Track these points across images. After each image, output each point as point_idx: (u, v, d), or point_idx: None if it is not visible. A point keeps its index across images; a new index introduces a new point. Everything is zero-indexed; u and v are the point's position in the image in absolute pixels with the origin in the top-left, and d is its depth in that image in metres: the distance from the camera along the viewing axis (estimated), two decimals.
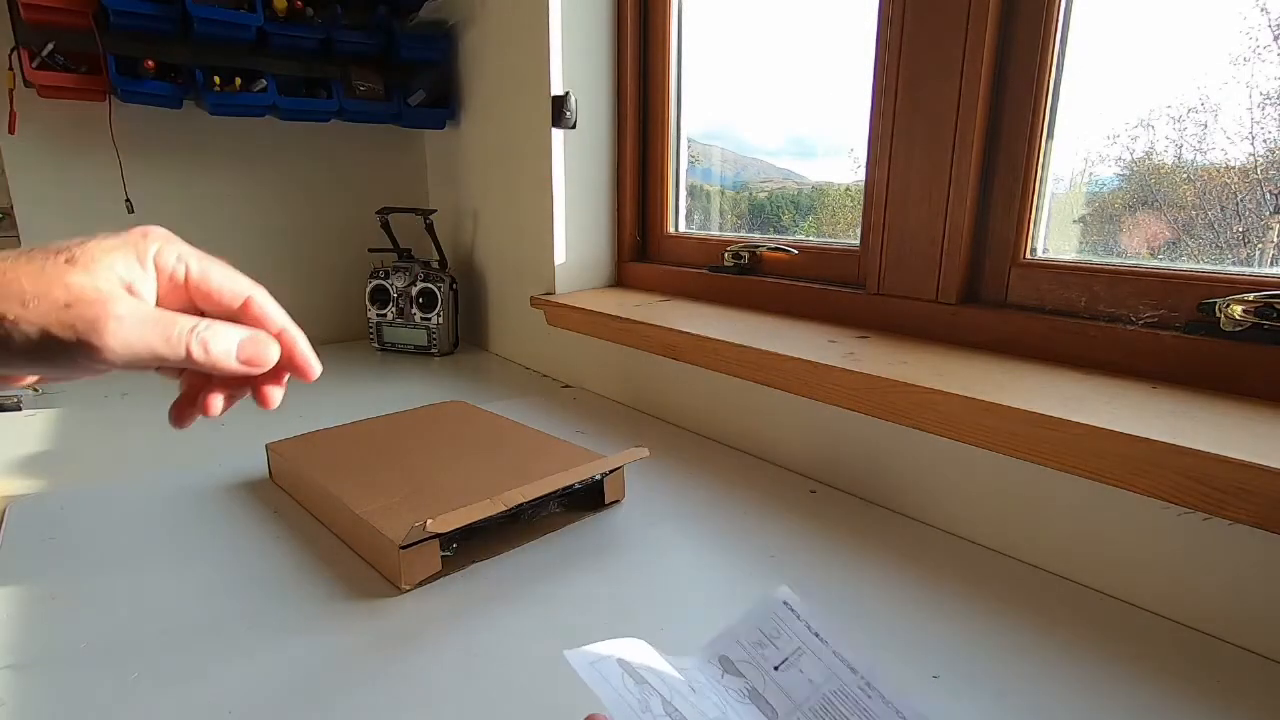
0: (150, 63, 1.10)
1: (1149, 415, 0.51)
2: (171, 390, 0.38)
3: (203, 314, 0.33)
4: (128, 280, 0.31)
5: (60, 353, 0.29)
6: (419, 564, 0.55)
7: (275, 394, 0.37)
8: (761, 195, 1.10)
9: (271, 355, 0.35)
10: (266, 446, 0.76)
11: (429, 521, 0.52)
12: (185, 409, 0.37)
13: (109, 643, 0.49)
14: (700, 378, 0.89)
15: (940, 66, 0.71)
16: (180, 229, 0.34)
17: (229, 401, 0.37)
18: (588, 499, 0.69)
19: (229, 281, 0.34)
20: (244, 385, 0.37)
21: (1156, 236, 0.66)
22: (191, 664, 0.47)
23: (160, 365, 0.32)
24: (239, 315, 0.34)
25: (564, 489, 0.63)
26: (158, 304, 0.33)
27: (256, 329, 0.34)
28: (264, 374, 0.36)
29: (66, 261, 0.29)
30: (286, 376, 0.37)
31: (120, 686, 0.45)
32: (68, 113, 1.16)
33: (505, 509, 0.57)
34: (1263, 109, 0.59)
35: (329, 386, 1.15)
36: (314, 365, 0.37)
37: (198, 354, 0.32)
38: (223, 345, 0.33)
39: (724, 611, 0.52)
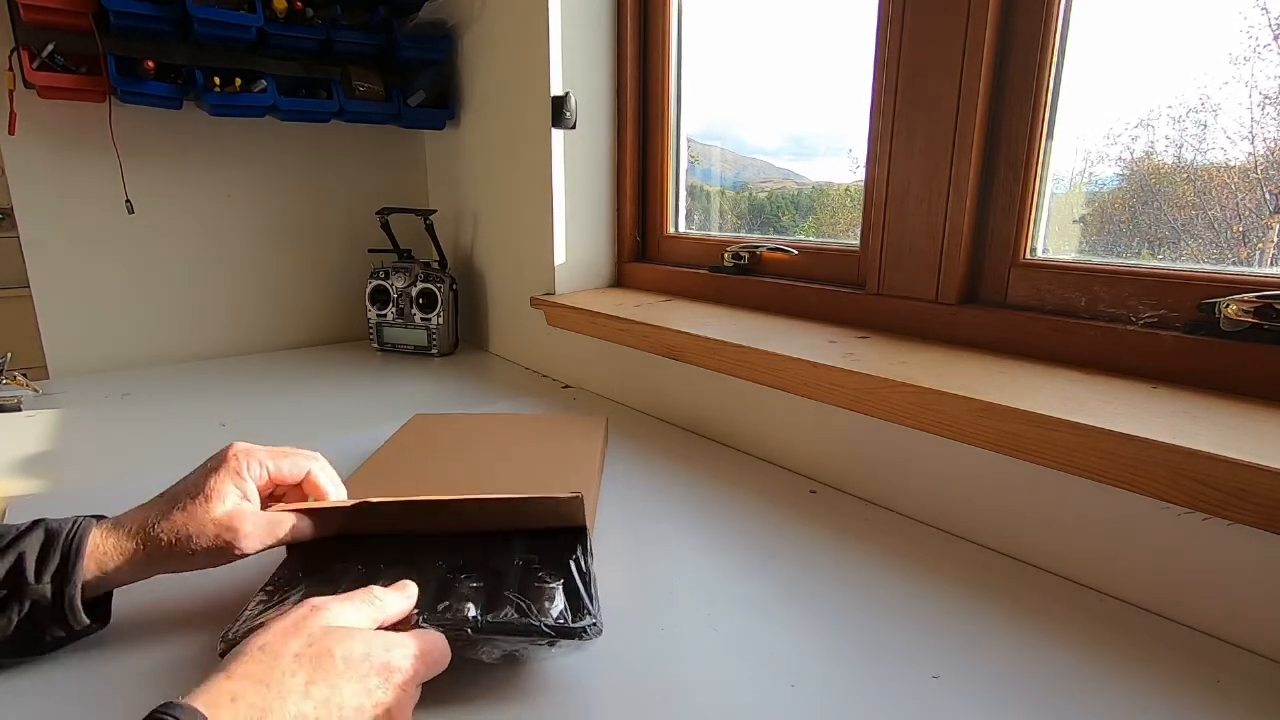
0: (150, 63, 1.10)
1: (1149, 415, 0.51)
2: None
3: (282, 487, 0.53)
4: (241, 494, 0.48)
5: (219, 558, 0.47)
6: None
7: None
8: (761, 195, 1.10)
9: (327, 528, 0.52)
10: None
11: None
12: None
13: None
14: (700, 378, 0.89)
15: (940, 66, 0.71)
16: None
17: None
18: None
19: (292, 468, 0.51)
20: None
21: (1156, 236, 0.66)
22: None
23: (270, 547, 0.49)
24: (304, 484, 0.53)
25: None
26: (268, 494, 0.51)
27: (323, 503, 0.52)
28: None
29: (205, 499, 0.46)
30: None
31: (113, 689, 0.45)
32: (68, 113, 1.16)
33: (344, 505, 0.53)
34: (1263, 109, 0.59)
35: (329, 387, 1.15)
36: (327, 495, 0.54)
37: (294, 539, 0.50)
38: (305, 530, 0.51)
39: (724, 611, 0.52)
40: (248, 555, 0.47)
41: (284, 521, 0.49)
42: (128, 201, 1.20)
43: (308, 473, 0.52)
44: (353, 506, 0.51)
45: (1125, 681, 0.45)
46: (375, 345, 1.39)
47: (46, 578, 0.42)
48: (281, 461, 0.50)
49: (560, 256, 1.14)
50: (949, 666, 0.47)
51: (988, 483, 0.61)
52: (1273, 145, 0.60)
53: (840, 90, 0.90)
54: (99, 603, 0.46)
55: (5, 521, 0.50)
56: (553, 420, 0.93)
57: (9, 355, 1.07)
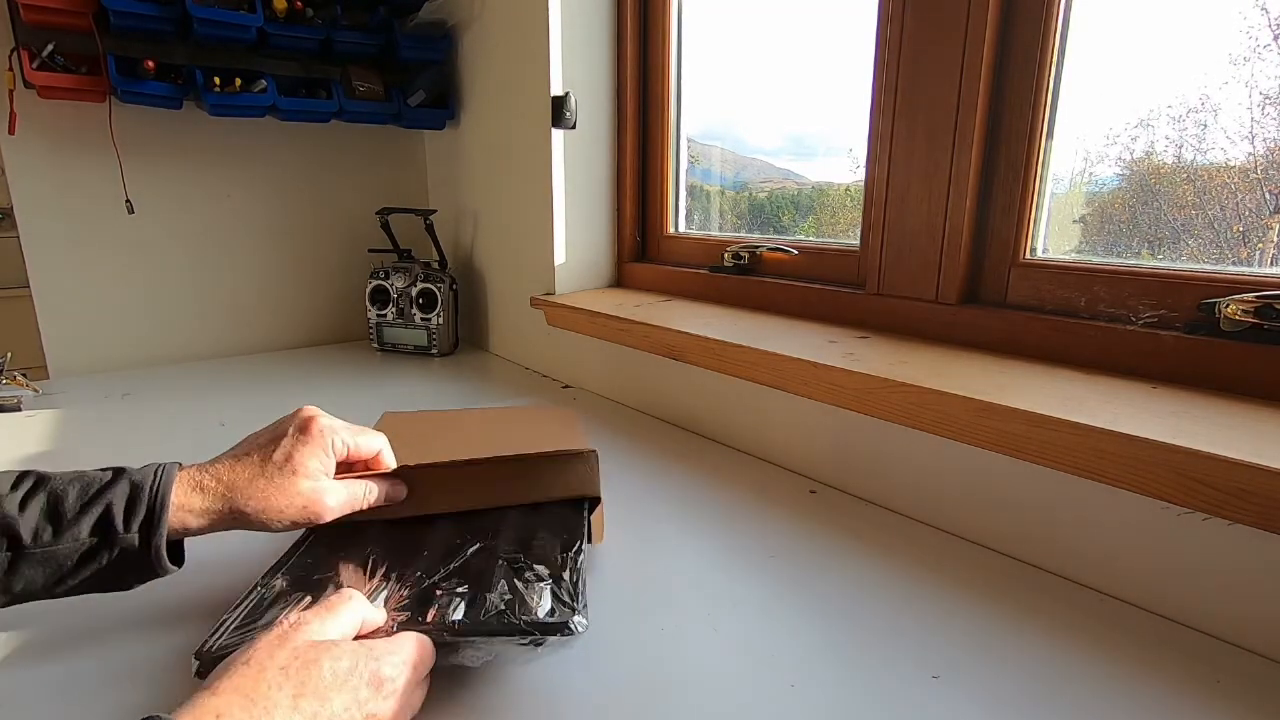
0: (150, 63, 1.10)
1: (1149, 415, 0.51)
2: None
3: (356, 460, 0.55)
4: (324, 469, 0.51)
5: (299, 527, 0.50)
6: None
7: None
8: (761, 195, 1.10)
9: (398, 494, 0.56)
10: None
11: None
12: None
13: (107, 641, 0.49)
14: (700, 378, 0.89)
15: (940, 66, 0.71)
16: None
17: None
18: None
19: (367, 444, 0.55)
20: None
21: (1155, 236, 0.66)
22: None
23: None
24: (371, 459, 0.56)
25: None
26: (337, 465, 0.53)
27: (380, 479, 0.55)
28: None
29: (292, 472, 0.49)
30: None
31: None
32: (68, 113, 1.16)
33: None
34: (1263, 109, 0.59)
35: (329, 387, 1.15)
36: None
37: (367, 505, 0.54)
38: (376, 500, 0.54)
39: (724, 611, 0.52)
40: (327, 522, 0.51)
41: (360, 496, 0.52)
42: (128, 201, 1.20)
43: (378, 452, 0.56)
44: (398, 470, 0.56)
45: (1125, 682, 0.45)
46: (375, 345, 1.39)
47: (134, 528, 0.44)
48: (360, 438, 0.54)
49: (560, 256, 1.14)
50: (949, 666, 0.47)
51: (988, 483, 0.61)
52: (1273, 145, 0.60)
53: (840, 90, 0.90)
54: (175, 546, 0.48)
55: None
56: (525, 411, 0.93)
57: (9, 355, 1.07)
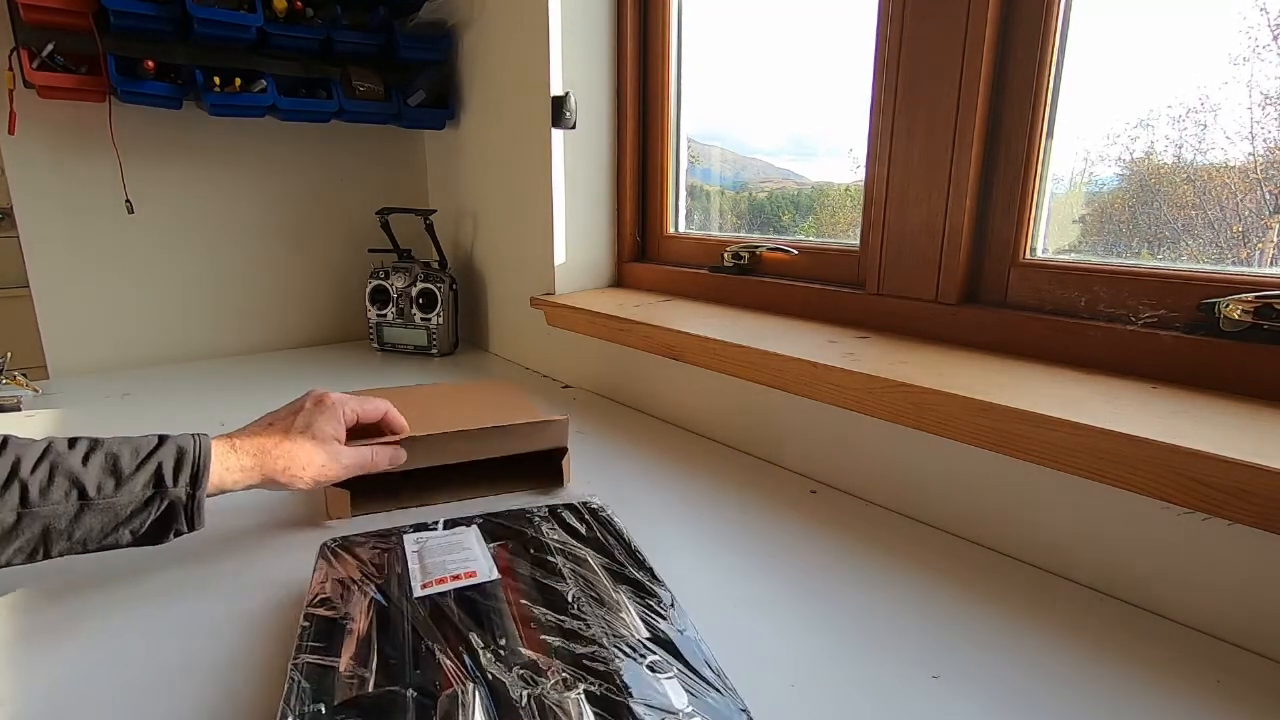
0: (150, 63, 1.10)
1: (1149, 415, 0.51)
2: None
3: (364, 426, 0.66)
4: (337, 435, 0.62)
5: (318, 485, 0.61)
6: (335, 501, 0.67)
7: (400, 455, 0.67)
8: (761, 195, 1.10)
9: (400, 457, 0.66)
10: None
11: None
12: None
13: (106, 640, 0.49)
14: (700, 378, 0.89)
15: (940, 65, 0.71)
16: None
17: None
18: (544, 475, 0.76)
19: (372, 409, 0.66)
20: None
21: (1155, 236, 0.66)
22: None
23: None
24: (381, 422, 0.68)
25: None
26: (349, 430, 0.64)
27: (388, 438, 0.67)
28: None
29: (311, 437, 0.60)
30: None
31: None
32: (68, 113, 1.16)
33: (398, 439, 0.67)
34: (1263, 109, 0.59)
35: (329, 387, 1.14)
36: (405, 427, 0.69)
37: (374, 468, 0.64)
38: (385, 464, 0.65)
39: (725, 611, 0.52)
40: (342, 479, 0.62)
41: (369, 459, 0.63)
42: (127, 201, 1.20)
43: (384, 414, 0.67)
44: (401, 440, 0.67)
45: (1125, 682, 0.45)
46: (375, 345, 1.39)
47: (182, 483, 0.52)
48: (365, 405, 0.65)
49: (560, 256, 1.14)
50: (949, 666, 0.47)
51: (988, 483, 0.61)
52: (1273, 145, 0.60)
53: (840, 90, 0.90)
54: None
55: None
56: (472, 385, 1.03)
57: (9, 355, 1.07)
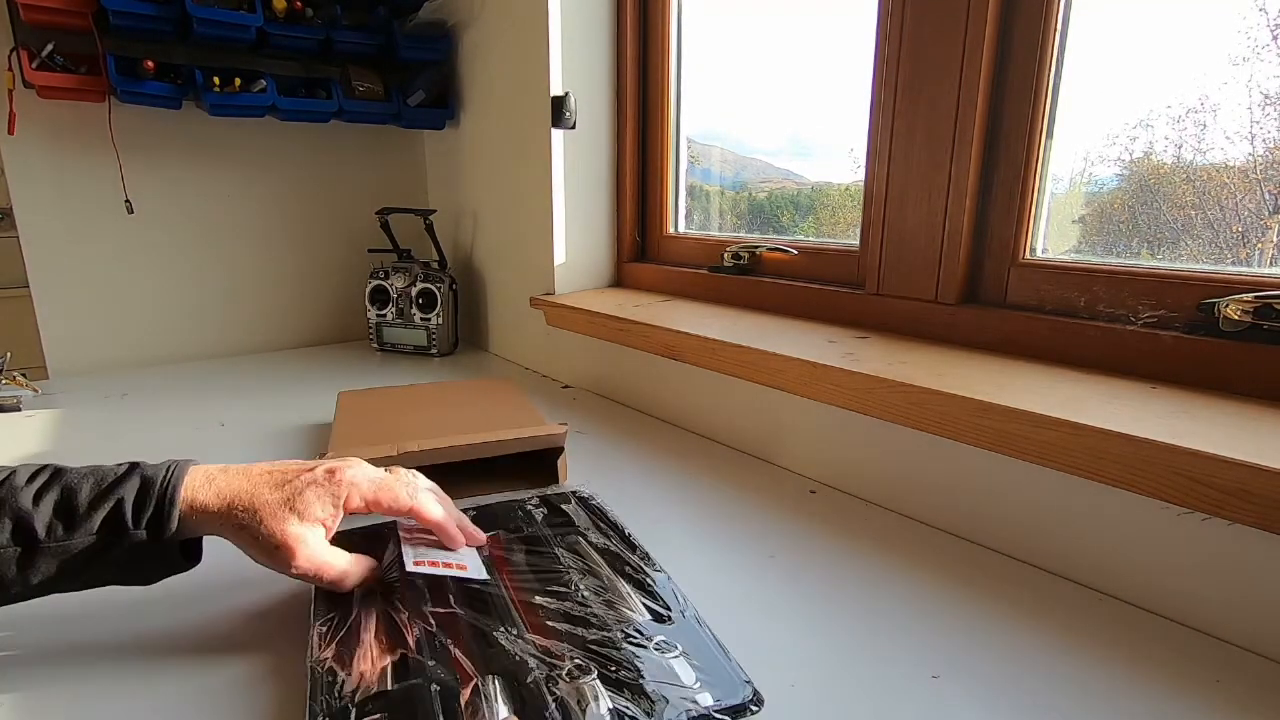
0: (150, 63, 1.10)
1: (1149, 415, 0.51)
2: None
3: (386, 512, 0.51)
4: (324, 518, 0.48)
5: (274, 564, 0.47)
6: None
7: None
8: (761, 195, 1.10)
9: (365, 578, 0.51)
10: None
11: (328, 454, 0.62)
12: None
13: (104, 640, 0.49)
14: (700, 378, 0.89)
15: (940, 65, 0.71)
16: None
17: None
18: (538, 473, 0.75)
19: (394, 503, 0.50)
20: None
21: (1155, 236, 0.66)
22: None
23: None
24: (413, 514, 0.52)
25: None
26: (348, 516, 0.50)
27: (369, 565, 0.51)
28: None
29: (290, 507, 0.46)
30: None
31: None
32: (67, 113, 1.16)
33: (396, 453, 0.65)
34: (1262, 109, 0.59)
35: (329, 387, 1.15)
36: (458, 539, 0.53)
37: (338, 588, 0.49)
38: (350, 585, 0.49)
39: (724, 612, 0.52)
40: (289, 575, 0.47)
41: (332, 567, 0.48)
42: (127, 201, 1.20)
43: (411, 509, 0.51)
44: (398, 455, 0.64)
45: (1125, 682, 0.45)
46: (375, 345, 1.39)
47: (143, 524, 0.44)
48: (380, 493, 0.50)
49: (560, 256, 1.14)
50: (949, 666, 0.47)
51: (987, 483, 0.61)
52: (1272, 145, 0.60)
53: (840, 90, 0.90)
54: (192, 544, 0.49)
55: None
56: (471, 385, 1.01)
57: (9, 355, 1.07)
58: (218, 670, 0.46)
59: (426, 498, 0.52)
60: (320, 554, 0.47)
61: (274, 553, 0.46)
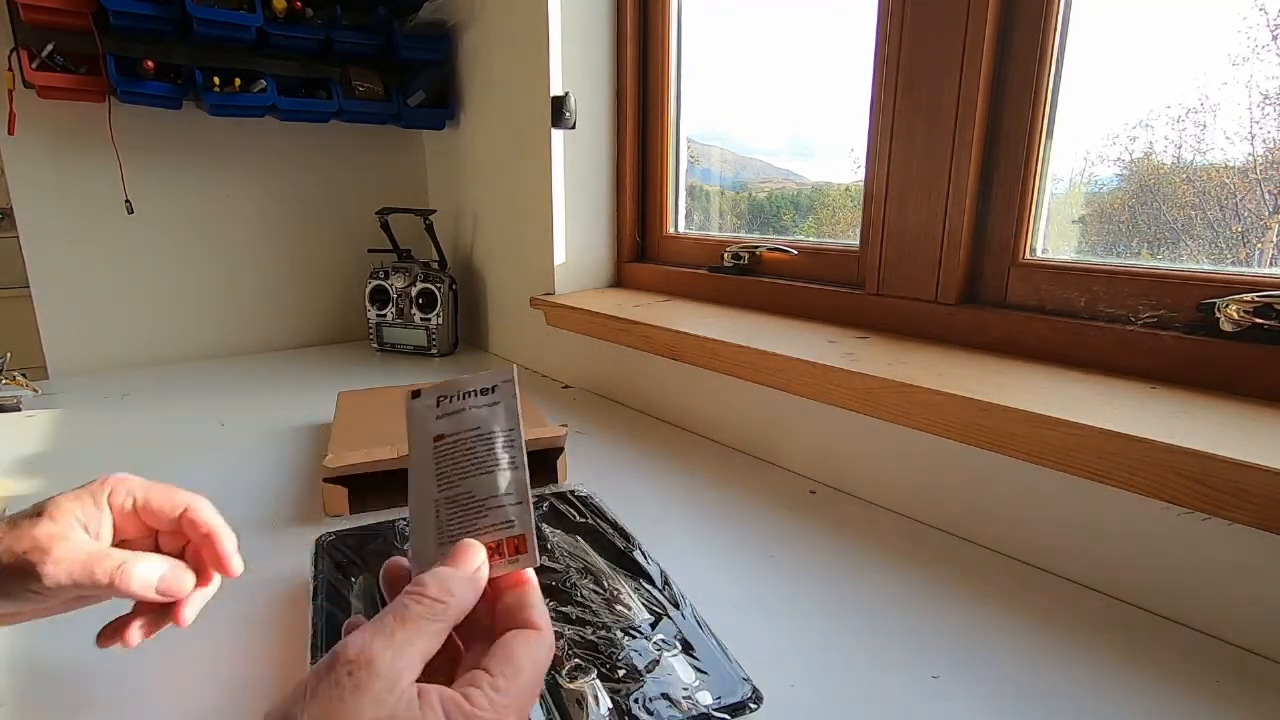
0: (150, 63, 1.10)
1: (1148, 415, 0.51)
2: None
3: (157, 533, 0.41)
4: (85, 520, 0.38)
5: (23, 584, 0.35)
6: (333, 499, 0.66)
7: (188, 614, 0.41)
8: (761, 195, 1.10)
9: (186, 585, 0.40)
10: None
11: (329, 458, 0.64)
12: (111, 635, 0.40)
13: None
14: (700, 378, 0.89)
15: (940, 65, 0.71)
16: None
17: (146, 632, 0.41)
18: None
19: (166, 501, 0.40)
20: (166, 615, 0.40)
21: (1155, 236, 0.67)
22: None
23: (94, 592, 0.37)
24: (180, 524, 0.40)
25: None
26: (115, 532, 0.39)
27: (178, 562, 0.40)
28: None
29: (37, 515, 0.37)
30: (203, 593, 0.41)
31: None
32: (67, 113, 1.16)
33: (395, 454, 0.66)
34: (1262, 109, 0.59)
35: (329, 387, 1.15)
36: (234, 565, 0.41)
37: (119, 584, 0.36)
38: (142, 577, 0.37)
39: (724, 612, 0.52)
40: (49, 589, 0.35)
41: (109, 559, 0.37)
42: (127, 201, 1.20)
43: (184, 510, 0.40)
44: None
45: (1125, 681, 0.45)
46: (375, 345, 1.39)
47: None
48: (151, 493, 0.41)
49: (560, 256, 1.14)
50: (949, 666, 0.47)
51: (987, 483, 0.61)
52: (1272, 145, 0.60)
53: (840, 90, 0.90)
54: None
55: None
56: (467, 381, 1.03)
57: (9, 355, 1.07)
58: (218, 670, 0.46)
59: (207, 504, 0.42)
60: (85, 550, 0.37)
61: (20, 559, 0.35)
